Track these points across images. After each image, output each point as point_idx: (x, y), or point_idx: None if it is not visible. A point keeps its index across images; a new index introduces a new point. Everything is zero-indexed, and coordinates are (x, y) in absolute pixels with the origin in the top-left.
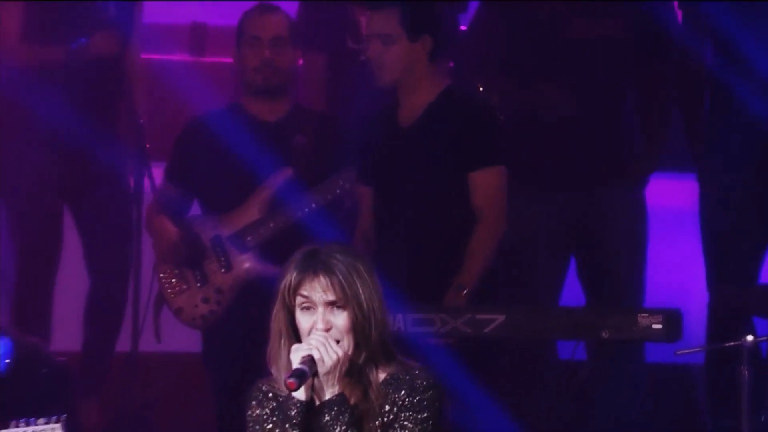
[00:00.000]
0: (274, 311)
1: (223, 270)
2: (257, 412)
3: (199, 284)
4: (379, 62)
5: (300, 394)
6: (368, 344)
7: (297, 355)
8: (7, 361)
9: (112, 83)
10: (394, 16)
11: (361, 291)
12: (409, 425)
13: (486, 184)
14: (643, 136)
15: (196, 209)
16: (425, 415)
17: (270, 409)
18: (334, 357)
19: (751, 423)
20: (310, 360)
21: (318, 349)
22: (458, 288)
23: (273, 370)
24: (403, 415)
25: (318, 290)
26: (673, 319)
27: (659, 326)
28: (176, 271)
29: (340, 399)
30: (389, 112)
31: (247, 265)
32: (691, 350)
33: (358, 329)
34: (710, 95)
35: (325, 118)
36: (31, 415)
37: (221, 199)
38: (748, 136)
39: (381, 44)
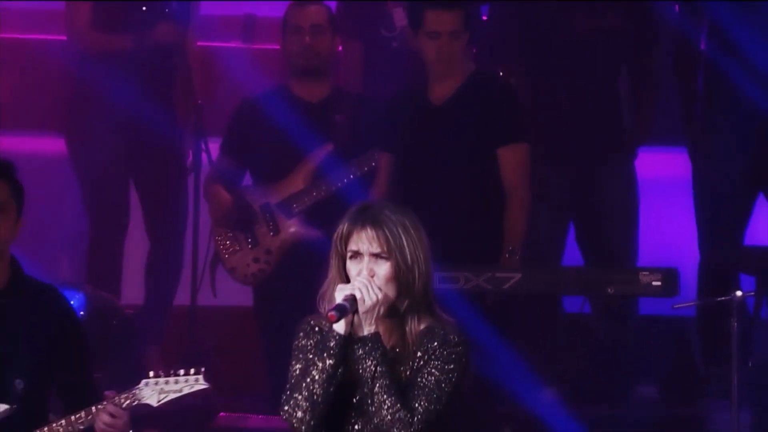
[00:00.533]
0: (330, 260)
1: (271, 233)
2: (303, 342)
3: (250, 246)
4: (449, 54)
5: (339, 327)
6: (411, 294)
7: (341, 294)
8: (82, 313)
9: (173, 68)
10: (461, 16)
11: (405, 244)
12: (436, 372)
13: (515, 159)
14: (634, 113)
15: (247, 180)
16: (451, 366)
17: (314, 341)
18: (374, 298)
19: (739, 368)
20: (352, 298)
21: (360, 290)
22: (512, 252)
23: (322, 309)
24: (432, 363)
25: (365, 241)
26: (671, 276)
27: (658, 283)
28: (230, 234)
29: (374, 337)
30: (418, 91)
31: (293, 229)
32: (687, 304)
33: (401, 279)
34: (704, 76)
35: (361, 99)
36: (103, 362)
37: (270, 171)
38: (737, 116)
39: (449, 38)
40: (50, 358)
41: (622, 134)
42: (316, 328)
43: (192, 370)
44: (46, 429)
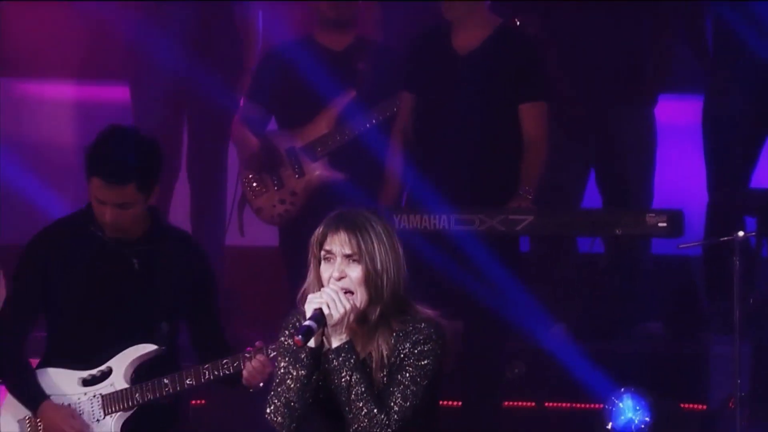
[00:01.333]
0: (308, 262)
1: (296, 176)
2: (288, 342)
3: (276, 188)
4: (470, 7)
5: (310, 342)
6: (380, 299)
7: (309, 307)
8: None
9: (220, 32)
10: None
11: (377, 250)
12: (410, 369)
13: (535, 115)
14: (652, 62)
15: (273, 125)
16: (425, 362)
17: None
18: (342, 310)
19: (741, 304)
20: (319, 313)
21: (327, 303)
22: (526, 192)
23: (302, 308)
24: (406, 361)
25: (337, 243)
26: (676, 218)
27: (664, 224)
28: (257, 177)
29: (347, 347)
30: (441, 36)
31: (317, 171)
32: (691, 244)
33: (370, 283)
34: (713, 30)
35: (383, 47)
36: None
37: (295, 117)
38: (746, 66)
39: None
40: (188, 303)
41: (642, 81)
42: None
43: None
44: (192, 370)
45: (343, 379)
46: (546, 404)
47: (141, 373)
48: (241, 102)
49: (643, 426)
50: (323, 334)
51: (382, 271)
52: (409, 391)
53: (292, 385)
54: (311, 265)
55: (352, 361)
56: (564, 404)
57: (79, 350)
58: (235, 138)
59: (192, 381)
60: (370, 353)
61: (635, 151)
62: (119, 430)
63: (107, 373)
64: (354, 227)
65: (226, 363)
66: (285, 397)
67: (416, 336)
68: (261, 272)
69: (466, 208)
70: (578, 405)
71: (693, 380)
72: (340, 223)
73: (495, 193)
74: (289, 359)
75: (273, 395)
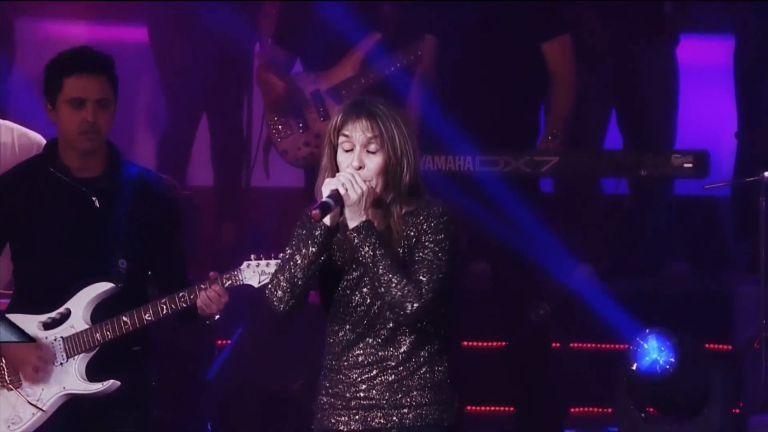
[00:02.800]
0: (324, 150)
1: (321, 118)
2: (299, 230)
3: (301, 130)
4: None
5: (325, 221)
6: (398, 187)
7: (326, 189)
8: None
9: None
10: None
11: (397, 137)
12: (429, 245)
13: (559, 51)
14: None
15: (298, 68)
16: (441, 236)
17: (306, 228)
18: (359, 191)
19: (766, 244)
20: (336, 194)
21: (344, 184)
22: (554, 135)
23: (318, 198)
24: (423, 237)
25: (358, 130)
26: (702, 158)
27: (690, 165)
28: (282, 119)
29: (366, 224)
30: None
31: None
32: (717, 185)
33: (390, 171)
34: None
35: None
36: None
37: (320, 59)
38: None
39: None
40: (150, 240)
41: (663, 20)
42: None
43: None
44: (149, 306)
45: (367, 255)
46: (571, 345)
47: (103, 313)
48: (262, 46)
49: (668, 367)
50: (339, 215)
51: (402, 157)
52: (434, 266)
53: (299, 261)
54: (326, 153)
55: (373, 237)
56: (588, 345)
57: (41, 293)
58: (260, 81)
59: (150, 316)
60: (385, 229)
61: (657, 90)
62: (83, 371)
63: (66, 315)
64: (374, 114)
65: (183, 296)
66: (290, 273)
67: (429, 210)
68: (286, 213)
69: (490, 150)
70: (603, 346)
71: (718, 320)
72: (360, 110)
73: (521, 136)
74: (300, 240)
75: (278, 272)
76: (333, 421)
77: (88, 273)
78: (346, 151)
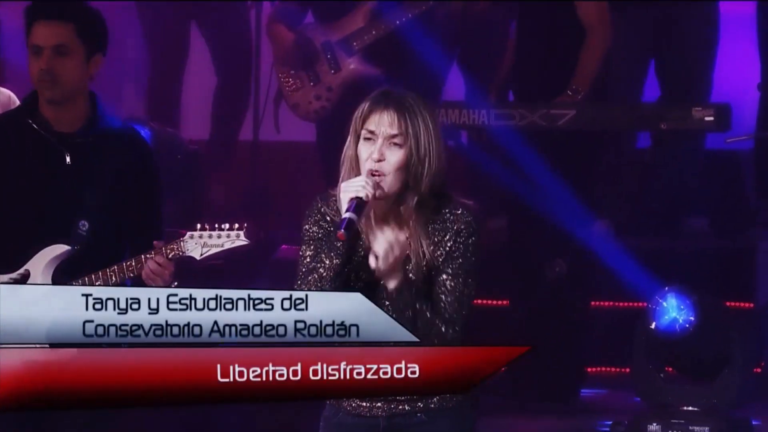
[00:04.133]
0: (347, 142)
1: (332, 71)
2: (312, 229)
3: (312, 83)
4: None
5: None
6: (418, 188)
7: (345, 195)
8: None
9: None
10: None
11: (422, 134)
12: (459, 272)
13: (595, 4)
14: None
15: (309, 19)
16: (472, 260)
17: (324, 232)
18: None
19: None
20: (357, 202)
21: (365, 188)
22: (575, 91)
23: (338, 191)
24: (451, 260)
25: (384, 123)
26: (723, 111)
27: (711, 118)
28: (292, 72)
29: (402, 290)
30: None
31: (353, 66)
32: (739, 138)
33: (411, 170)
34: None
35: None
36: (169, 194)
37: (330, 11)
38: None
39: None
40: (121, 199)
41: None
42: (327, 218)
43: (236, 225)
44: (100, 273)
45: (405, 316)
46: (588, 303)
47: (67, 276)
48: None
49: (687, 325)
50: (360, 221)
51: (424, 158)
52: (463, 297)
53: (324, 274)
54: (350, 140)
55: (403, 301)
56: (606, 303)
57: (7, 253)
58: (270, 33)
59: (101, 284)
60: (404, 236)
61: (698, 42)
62: None
63: (26, 276)
64: (402, 108)
65: (131, 265)
66: (316, 286)
67: (456, 225)
68: (296, 168)
69: (505, 103)
70: (621, 304)
71: (740, 278)
72: (389, 102)
73: (547, 83)
74: (319, 248)
75: (302, 284)
76: (354, 404)
77: (49, 233)
78: (368, 141)
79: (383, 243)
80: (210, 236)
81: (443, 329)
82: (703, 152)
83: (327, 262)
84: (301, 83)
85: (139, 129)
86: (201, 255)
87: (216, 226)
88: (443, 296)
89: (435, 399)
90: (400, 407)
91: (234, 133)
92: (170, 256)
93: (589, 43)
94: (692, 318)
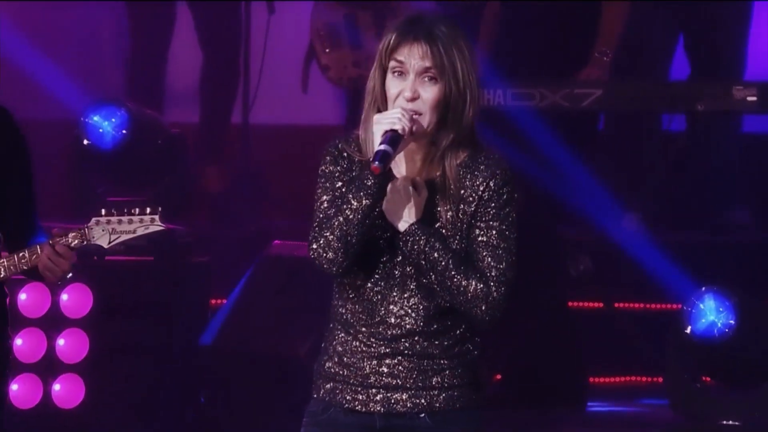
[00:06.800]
0: (371, 74)
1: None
2: (330, 168)
3: (351, 47)
4: None
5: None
6: (458, 124)
7: (379, 127)
8: (124, 131)
9: None
10: None
11: (459, 64)
12: (495, 224)
13: None
14: None
15: None
16: (508, 210)
17: (342, 168)
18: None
19: None
20: (393, 135)
21: (401, 120)
22: (602, 54)
23: (360, 131)
24: (485, 213)
25: (415, 55)
26: (767, 91)
27: (754, 98)
28: (331, 26)
29: (415, 228)
30: None
31: None
32: None
33: (450, 104)
34: None
35: None
36: (148, 184)
37: None
38: None
39: None
40: None
41: None
42: (345, 154)
43: (148, 209)
44: None
45: (422, 262)
46: (615, 305)
47: None
48: None
49: (727, 330)
50: (394, 157)
51: (465, 90)
52: (502, 252)
53: (351, 217)
54: (374, 72)
55: (428, 240)
56: (636, 305)
57: None
58: None
59: None
60: (433, 180)
61: (730, 15)
62: None
63: None
64: (435, 38)
65: (24, 256)
66: (341, 231)
67: (490, 171)
68: (288, 153)
69: (524, 81)
70: (652, 306)
71: None
72: (419, 31)
73: (571, 63)
74: (345, 187)
75: (323, 229)
76: (348, 398)
77: None
78: (397, 76)
79: (393, 186)
80: (119, 222)
81: (472, 285)
82: (738, 136)
83: (355, 203)
84: (338, 43)
85: (113, 110)
86: (109, 243)
87: (125, 210)
88: (479, 252)
89: (441, 397)
90: (401, 404)
91: (223, 117)
92: (73, 244)
93: (609, 5)
94: (732, 321)
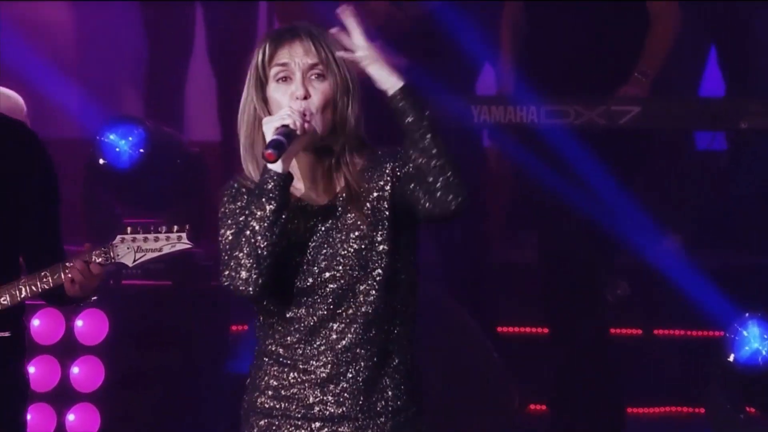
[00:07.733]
0: (243, 101)
1: None
2: (230, 207)
3: None
4: None
5: (277, 167)
6: (344, 127)
7: (269, 126)
8: (141, 150)
9: None
10: None
11: (340, 61)
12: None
13: None
14: None
15: None
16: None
17: (242, 204)
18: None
19: None
20: (285, 130)
21: (291, 116)
22: (642, 75)
23: (248, 167)
24: (402, 170)
25: (299, 53)
26: None
27: None
28: None
29: (408, 87)
30: None
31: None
32: None
33: (337, 104)
34: None
35: None
36: (166, 205)
37: None
38: None
39: None
40: (13, 207)
41: None
42: (242, 189)
43: (175, 227)
44: (5, 287)
45: (423, 119)
46: (655, 332)
47: None
48: None
49: None
50: (291, 157)
51: (352, 89)
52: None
53: (257, 227)
54: (250, 93)
55: (422, 99)
56: (676, 332)
57: None
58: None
59: (6, 300)
60: (339, 193)
61: (766, 27)
62: None
63: None
64: (312, 34)
65: (45, 275)
66: (249, 245)
67: (389, 157)
68: None
69: (559, 98)
70: (693, 333)
71: None
72: (295, 31)
73: (609, 80)
74: (246, 210)
75: (229, 255)
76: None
77: None
78: (282, 81)
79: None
80: (145, 239)
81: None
82: None
83: (259, 212)
84: None
85: (131, 129)
86: (134, 261)
87: (152, 228)
88: (420, 171)
89: (389, 424)
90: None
91: None
92: (99, 261)
93: (655, 30)
94: None
